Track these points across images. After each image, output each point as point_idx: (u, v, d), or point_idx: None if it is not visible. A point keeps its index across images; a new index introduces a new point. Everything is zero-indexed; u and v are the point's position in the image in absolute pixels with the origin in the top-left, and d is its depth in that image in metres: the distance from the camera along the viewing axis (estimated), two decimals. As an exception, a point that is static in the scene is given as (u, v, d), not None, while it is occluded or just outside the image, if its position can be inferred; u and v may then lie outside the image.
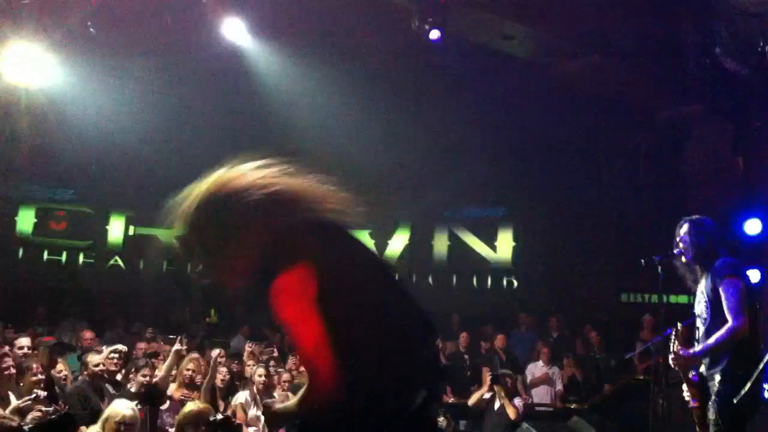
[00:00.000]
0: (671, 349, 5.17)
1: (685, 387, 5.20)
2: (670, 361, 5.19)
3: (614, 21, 9.83)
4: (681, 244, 5.33)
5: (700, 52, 9.75)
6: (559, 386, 10.04)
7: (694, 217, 5.29)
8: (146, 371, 7.52)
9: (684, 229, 5.34)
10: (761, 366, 4.58)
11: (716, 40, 9.48)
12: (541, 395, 9.97)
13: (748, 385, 4.41)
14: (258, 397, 7.81)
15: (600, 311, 12.06)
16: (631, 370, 9.54)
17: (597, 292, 12.36)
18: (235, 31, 10.54)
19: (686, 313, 8.87)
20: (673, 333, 5.26)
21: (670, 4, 9.56)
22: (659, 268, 6.15)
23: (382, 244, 13.90)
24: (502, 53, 10.87)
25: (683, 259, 5.30)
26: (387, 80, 11.79)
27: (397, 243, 14.03)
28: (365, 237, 13.94)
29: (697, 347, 5.01)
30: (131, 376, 7.67)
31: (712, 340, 4.86)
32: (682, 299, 11.57)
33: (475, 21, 10.41)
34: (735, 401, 4.45)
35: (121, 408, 5.49)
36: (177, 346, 7.68)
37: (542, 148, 12.28)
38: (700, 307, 5.16)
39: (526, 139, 12.29)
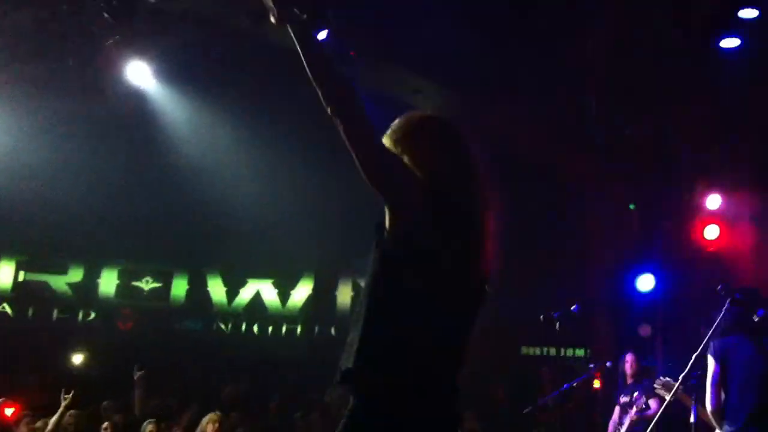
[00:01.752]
0: None
1: None
2: None
3: (520, 81, 10.11)
4: None
5: (601, 119, 10.16)
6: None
7: None
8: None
9: None
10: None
11: (615, 109, 9.90)
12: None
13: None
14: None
15: (502, 364, 12.17)
16: (529, 424, 9.59)
17: (497, 345, 12.48)
18: (139, 74, 10.39)
19: (583, 366, 9.09)
20: None
21: (572, 75, 9.89)
22: (557, 323, 6.28)
23: (285, 294, 13.73)
24: (410, 107, 11.01)
25: None
26: (293, 128, 11.77)
27: (301, 293, 13.89)
28: (268, 285, 13.82)
29: None
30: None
31: None
32: (579, 353, 11.90)
33: (385, 74, 10.55)
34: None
35: None
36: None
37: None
38: None
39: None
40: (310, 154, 12.11)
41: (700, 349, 4.71)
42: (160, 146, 11.82)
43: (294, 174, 12.40)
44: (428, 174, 2.71)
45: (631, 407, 7.45)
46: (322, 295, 13.91)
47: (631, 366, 7.81)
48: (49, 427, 7.34)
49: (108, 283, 13.74)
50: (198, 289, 13.86)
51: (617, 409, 7.80)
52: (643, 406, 7.23)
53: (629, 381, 7.84)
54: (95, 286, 13.69)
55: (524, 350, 12.47)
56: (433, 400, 2.62)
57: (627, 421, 7.46)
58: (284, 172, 12.20)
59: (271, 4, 2.49)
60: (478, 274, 2.74)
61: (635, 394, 7.53)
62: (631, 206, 11.10)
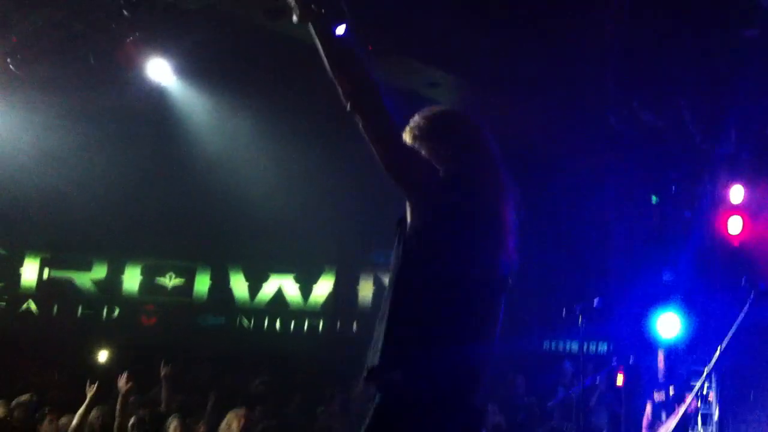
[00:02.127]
0: None
1: None
2: None
3: (537, 70, 10.06)
4: None
5: (620, 104, 10.07)
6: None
7: None
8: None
9: None
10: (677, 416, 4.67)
11: (635, 93, 9.80)
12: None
13: None
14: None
15: (524, 358, 12.13)
16: (552, 418, 9.56)
17: (520, 339, 12.44)
18: (159, 71, 10.44)
19: (605, 360, 9.05)
20: None
21: (593, 59, 9.82)
22: (580, 317, 6.25)
23: (307, 289, 13.76)
24: (428, 100, 10.98)
25: None
26: (314, 122, 11.78)
27: (323, 288, 13.90)
28: (290, 281, 13.86)
29: None
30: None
31: None
32: (602, 347, 11.82)
33: (402, 67, 10.52)
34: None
35: None
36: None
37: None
38: None
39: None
40: (331, 148, 12.13)
41: (725, 343, 4.67)
42: (182, 142, 11.89)
43: (315, 168, 12.42)
44: (449, 168, 2.73)
45: (671, 406, 7.51)
46: (344, 290, 13.92)
47: (663, 362, 7.81)
48: (75, 420, 7.37)
49: (131, 279, 13.84)
50: (220, 284, 13.92)
51: (649, 406, 7.80)
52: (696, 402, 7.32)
53: (661, 379, 7.91)
54: (119, 282, 13.80)
55: (546, 345, 12.42)
56: (458, 396, 2.63)
57: (672, 420, 7.49)
58: (305, 166, 12.23)
59: (293, 2, 2.52)
60: (499, 268, 2.76)
61: (671, 389, 7.58)
62: (654, 198, 11.01)
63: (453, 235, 2.63)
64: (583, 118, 10.48)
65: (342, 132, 12.11)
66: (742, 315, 4.73)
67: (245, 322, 13.80)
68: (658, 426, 7.57)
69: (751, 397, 8.01)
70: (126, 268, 13.84)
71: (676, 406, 7.43)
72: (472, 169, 2.80)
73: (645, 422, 7.75)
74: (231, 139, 11.98)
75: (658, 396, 7.73)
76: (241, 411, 7.84)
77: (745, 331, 4.88)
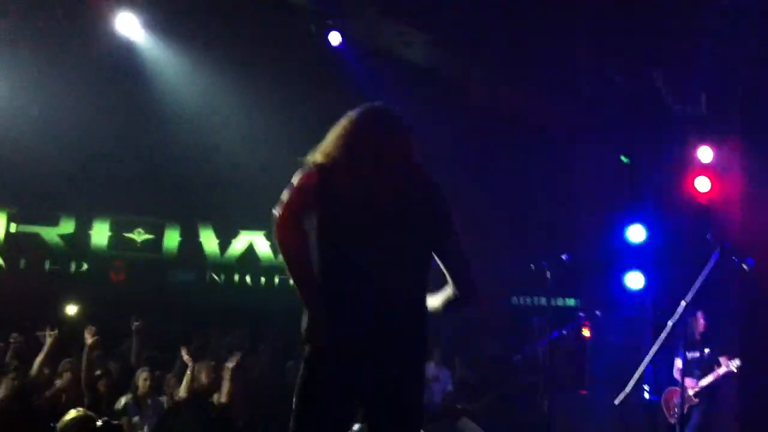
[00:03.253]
0: None
1: None
2: None
3: (510, 32, 10.05)
4: None
5: (592, 67, 10.13)
6: (449, 386, 10.18)
7: None
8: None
9: None
10: (640, 369, 4.78)
11: (607, 54, 9.86)
12: (431, 395, 10.09)
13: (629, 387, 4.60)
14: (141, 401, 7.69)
15: (492, 314, 12.29)
16: (518, 371, 9.73)
17: (489, 294, 12.58)
18: (128, 25, 10.29)
19: (572, 315, 9.19)
20: None
21: (566, 21, 9.82)
22: (548, 272, 6.35)
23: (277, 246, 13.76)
24: (401, 59, 10.96)
25: None
26: (289, 79, 11.71)
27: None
28: (261, 237, 13.85)
29: None
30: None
31: None
32: (570, 302, 12.01)
33: (373, 25, 10.47)
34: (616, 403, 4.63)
35: None
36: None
37: (441, 156, 12.36)
38: None
39: (425, 146, 12.35)
40: (304, 105, 12.06)
41: (689, 297, 4.76)
42: (152, 98, 11.77)
43: (287, 125, 12.34)
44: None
45: (704, 363, 8.02)
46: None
47: (701, 324, 8.15)
48: (35, 367, 7.45)
49: (100, 234, 13.74)
50: (190, 240, 13.88)
51: (680, 361, 8.10)
52: (732, 367, 7.78)
53: (698, 338, 8.24)
54: (87, 237, 13.70)
55: (515, 300, 12.58)
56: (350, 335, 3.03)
57: (711, 378, 7.92)
58: (277, 122, 12.16)
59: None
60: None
61: (706, 350, 7.87)
62: (624, 159, 11.12)
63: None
64: (555, 80, 10.52)
65: (316, 89, 12.15)
66: (706, 271, 4.82)
67: (215, 277, 13.80)
68: (690, 383, 7.95)
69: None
70: (94, 223, 13.73)
71: (716, 367, 7.81)
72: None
73: (677, 374, 8.08)
74: (202, 94, 11.89)
75: (692, 355, 8.08)
76: (209, 364, 7.90)
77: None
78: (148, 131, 12.31)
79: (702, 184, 9.46)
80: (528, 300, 12.33)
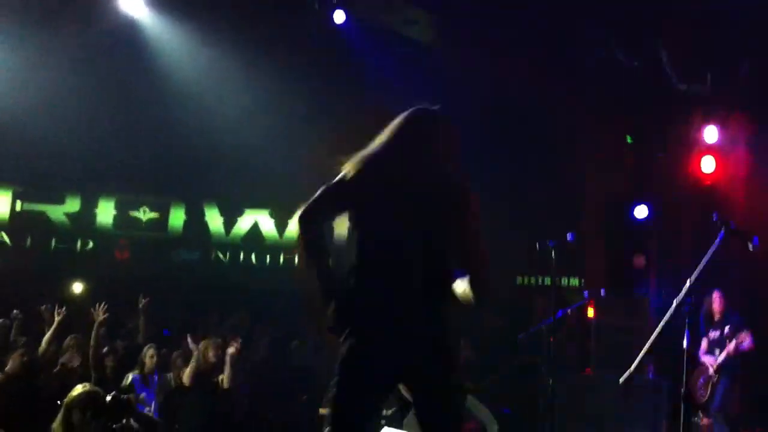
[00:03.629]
0: None
1: None
2: None
3: (515, 10, 10.00)
4: None
5: (596, 45, 10.08)
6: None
7: None
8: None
9: None
10: (645, 349, 4.79)
11: (611, 33, 9.81)
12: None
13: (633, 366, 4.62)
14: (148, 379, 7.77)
15: (496, 293, 12.30)
16: (525, 351, 9.75)
17: (494, 274, 12.58)
18: (131, 3, 10.27)
19: (577, 296, 9.21)
20: None
21: (567, 3, 9.77)
22: (553, 252, 6.35)
23: (283, 224, 13.78)
24: (406, 39, 10.92)
25: None
26: (294, 58, 11.67)
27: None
28: (266, 216, 13.86)
29: None
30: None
31: None
32: (574, 282, 12.02)
33: (378, 4, 10.43)
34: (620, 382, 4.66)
35: None
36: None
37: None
38: None
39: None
40: (309, 83, 12.03)
41: (694, 277, 4.76)
42: (156, 76, 11.74)
43: (293, 104, 12.33)
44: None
45: (724, 342, 8.06)
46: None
47: (719, 303, 8.19)
48: (43, 345, 7.51)
49: (105, 213, 13.76)
50: (195, 219, 13.89)
51: (705, 341, 8.27)
52: (743, 342, 7.86)
53: (717, 317, 8.29)
54: (92, 216, 13.73)
55: (519, 280, 12.59)
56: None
57: (724, 354, 8.02)
58: (282, 101, 12.13)
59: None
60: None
61: (726, 329, 7.95)
62: (628, 138, 11.10)
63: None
64: (560, 58, 10.47)
65: (320, 67, 12.09)
66: (711, 251, 4.81)
67: (220, 256, 13.83)
68: (710, 361, 8.05)
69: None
70: (99, 201, 13.75)
71: (728, 342, 7.90)
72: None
73: (702, 355, 8.20)
74: (206, 72, 11.85)
75: (713, 334, 8.15)
76: (216, 341, 7.95)
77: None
78: (153, 110, 12.28)
79: (707, 164, 9.45)
80: (533, 280, 12.34)
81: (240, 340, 8.01)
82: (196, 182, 13.37)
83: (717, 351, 8.10)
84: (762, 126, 9.69)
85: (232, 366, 7.58)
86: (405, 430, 6.87)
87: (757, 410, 8.59)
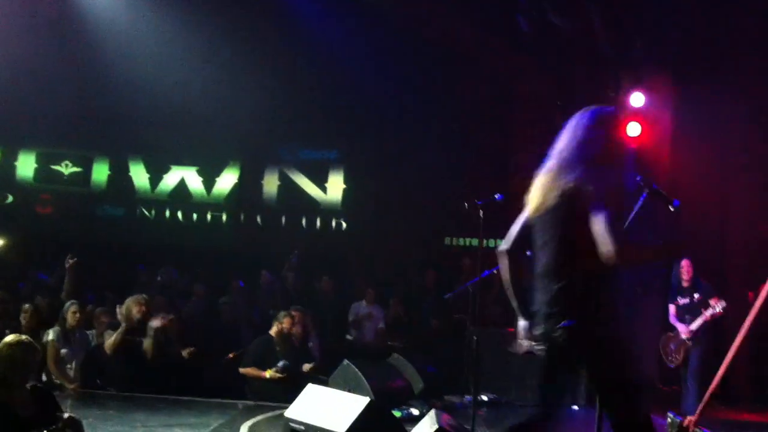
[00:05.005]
0: None
1: None
2: None
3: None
4: None
5: (532, 7, 10.11)
6: (382, 324, 10.29)
7: None
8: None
9: None
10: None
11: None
12: (365, 333, 10.23)
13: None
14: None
15: (426, 254, 12.39)
16: (450, 310, 9.86)
17: (423, 235, 12.68)
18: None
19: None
20: None
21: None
22: (480, 212, 6.37)
23: (210, 182, 13.58)
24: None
25: None
26: (224, 18, 11.45)
27: (226, 181, 13.74)
28: (193, 173, 13.63)
29: None
30: None
31: None
32: (500, 243, 12.18)
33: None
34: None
35: None
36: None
37: (375, 94, 12.30)
38: None
39: (360, 84, 12.24)
40: (239, 40, 11.81)
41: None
42: (83, 29, 11.38)
43: (221, 60, 12.10)
44: None
45: (694, 308, 8.28)
46: (248, 184, 13.79)
47: (687, 271, 8.36)
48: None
49: (26, 166, 13.37)
50: (120, 175, 13.59)
51: (673, 307, 8.51)
52: (717, 309, 8.07)
53: (685, 285, 8.47)
54: (12, 169, 13.32)
55: (447, 241, 12.71)
56: None
57: (700, 321, 8.21)
58: (211, 57, 11.91)
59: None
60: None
61: (695, 296, 8.30)
62: (558, 102, 11.20)
63: None
64: (496, 16, 10.49)
65: (251, 23, 11.83)
66: (634, 211, 4.89)
67: (146, 213, 13.56)
68: (682, 328, 8.23)
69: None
70: (20, 154, 13.35)
71: (703, 310, 8.08)
72: None
73: (674, 320, 8.40)
74: (134, 27, 11.54)
75: (683, 300, 8.33)
76: (141, 298, 7.81)
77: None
78: (80, 63, 11.93)
79: (633, 128, 9.61)
80: (460, 241, 12.46)
81: (171, 317, 7.94)
82: (121, 136, 13.06)
83: (687, 317, 8.34)
84: (686, 91, 9.89)
85: (154, 338, 7.50)
86: (331, 386, 6.91)
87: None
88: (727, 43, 9.99)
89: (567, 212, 3.40)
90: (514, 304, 3.67)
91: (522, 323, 3.61)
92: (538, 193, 3.56)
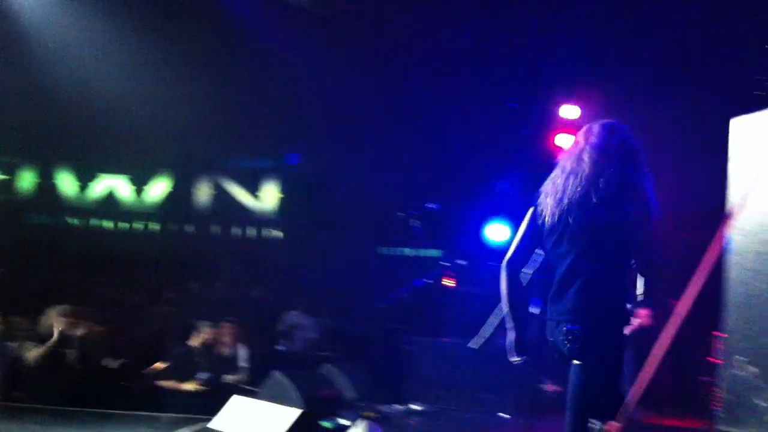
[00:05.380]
0: None
1: None
2: None
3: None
4: None
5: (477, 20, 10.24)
6: (313, 334, 10.21)
7: None
8: None
9: None
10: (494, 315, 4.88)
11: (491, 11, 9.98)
12: (296, 343, 10.14)
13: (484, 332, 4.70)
14: None
15: (359, 263, 12.38)
16: (381, 318, 9.83)
17: (357, 244, 12.67)
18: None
19: (435, 265, 9.35)
20: None
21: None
22: (414, 222, 6.40)
23: (140, 190, 13.36)
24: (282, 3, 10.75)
25: None
26: (156, 24, 11.28)
27: (158, 190, 13.51)
28: (123, 182, 13.38)
29: None
30: None
31: None
32: (434, 253, 12.23)
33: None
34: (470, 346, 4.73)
35: None
36: None
37: (310, 102, 12.25)
38: None
39: (298, 93, 12.19)
40: (176, 53, 11.65)
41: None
42: (15, 32, 11.06)
43: (156, 67, 11.91)
44: None
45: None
46: (180, 193, 13.60)
47: None
48: None
49: (-51, 172, 12.98)
50: (47, 182, 13.27)
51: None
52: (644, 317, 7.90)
53: None
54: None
55: (380, 250, 12.72)
56: None
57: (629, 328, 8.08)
58: (146, 64, 11.71)
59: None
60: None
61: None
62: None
63: None
64: (439, 26, 10.56)
65: (183, 30, 11.69)
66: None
67: (74, 222, 13.26)
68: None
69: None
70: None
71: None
72: None
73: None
74: (63, 32, 11.27)
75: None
76: (65, 309, 7.64)
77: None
78: (7, 66, 11.59)
79: (563, 141, 9.77)
80: (394, 251, 12.50)
81: (97, 327, 7.77)
82: (49, 144, 12.76)
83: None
84: (618, 104, 10.11)
85: (81, 349, 7.33)
86: (261, 398, 6.81)
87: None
88: (662, 57, 10.24)
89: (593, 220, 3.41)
90: (508, 317, 3.63)
91: (512, 335, 3.60)
92: (551, 201, 3.53)
